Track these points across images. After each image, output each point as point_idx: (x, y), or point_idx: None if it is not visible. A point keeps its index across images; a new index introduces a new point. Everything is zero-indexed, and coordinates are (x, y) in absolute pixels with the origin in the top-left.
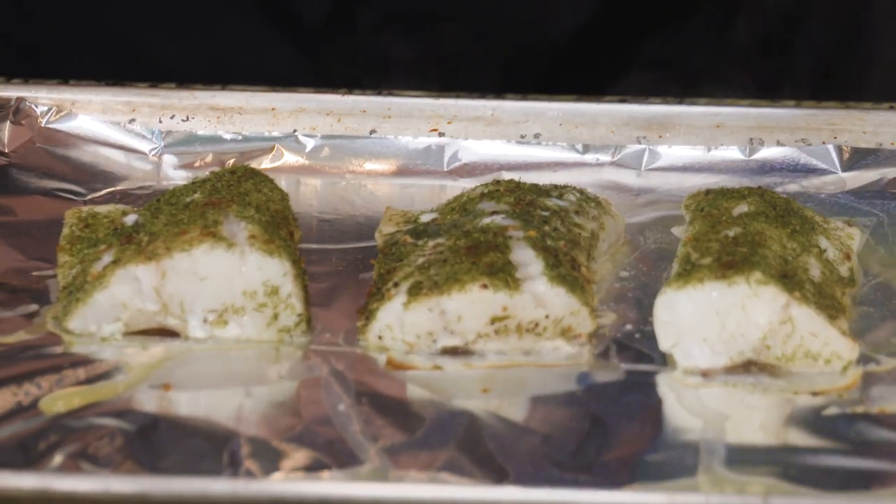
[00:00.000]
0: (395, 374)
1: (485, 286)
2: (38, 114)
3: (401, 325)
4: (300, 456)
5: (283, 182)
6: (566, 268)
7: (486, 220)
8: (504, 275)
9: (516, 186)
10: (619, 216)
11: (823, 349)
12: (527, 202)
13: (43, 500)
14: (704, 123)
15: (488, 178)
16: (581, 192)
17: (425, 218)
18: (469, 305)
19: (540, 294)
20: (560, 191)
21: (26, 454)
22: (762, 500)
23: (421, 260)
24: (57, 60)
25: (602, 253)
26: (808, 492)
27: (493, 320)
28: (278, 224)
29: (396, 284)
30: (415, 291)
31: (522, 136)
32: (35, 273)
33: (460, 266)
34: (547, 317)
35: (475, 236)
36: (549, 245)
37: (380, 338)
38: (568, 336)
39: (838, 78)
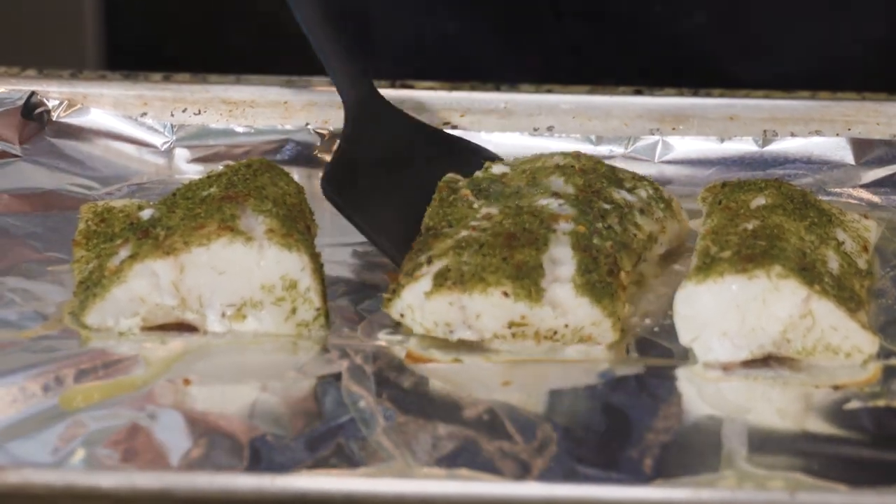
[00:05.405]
0: (414, 367)
1: (506, 294)
2: (50, 107)
3: (421, 309)
4: (321, 452)
5: (295, 175)
6: (601, 273)
7: (543, 202)
8: (529, 282)
9: (592, 168)
10: (686, 222)
11: (844, 343)
12: (594, 190)
13: (66, 497)
14: (718, 115)
15: None
16: (657, 189)
17: (496, 170)
18: (489, 307)
19: (562, 300)
20: (635, 182)
21: (47, 450)
22: (789, 496)
23: (463, 234)
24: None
25: (658, 255)
26: (834, 487)
27: (511, 325)
28: (295, 218)
29: (430, 261)
30: (439, 282)
31: (535, 129)
32: (50, 268)
33: (491, 260)
34: (566, 326)
35: (523, 219)
36: (593, 244)
37: (402, 315)
38: (588, 344)
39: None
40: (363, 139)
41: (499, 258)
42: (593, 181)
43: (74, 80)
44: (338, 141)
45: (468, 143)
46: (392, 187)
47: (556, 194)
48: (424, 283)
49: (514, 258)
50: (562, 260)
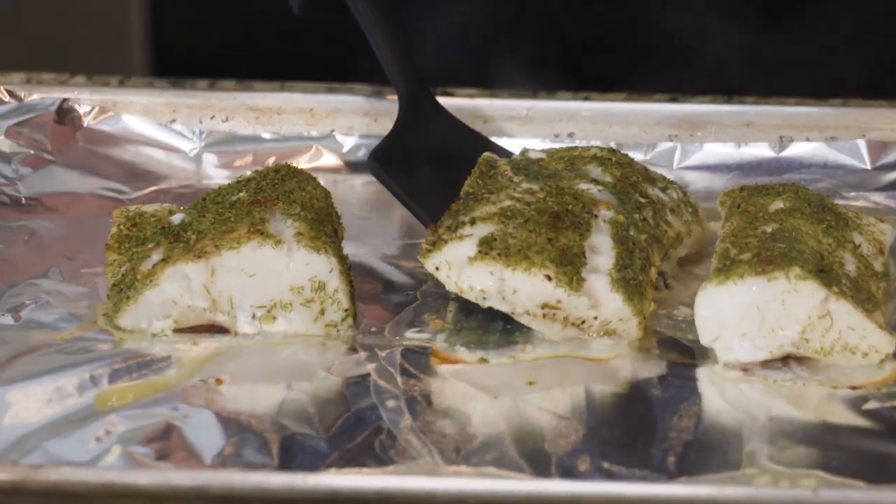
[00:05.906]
0: (440, 367)
1: (548, 277)
2: (82, 114)
3: (460, 270)
4: (350, 450)
5: (321, 181)
6: (635, 269)
7: (584, 187)
8: (572, 270)
9: (628, 163)
10: (710, 230)
11: (861, 343)
12: (630, 182)
13: (104, 494)
14: (734, 122)
15: None
16: (685, 194)
17: (533, 155)
18: (528, 286)
19: (596, 292)
20: (666, 183)
21: (84, 448)
22: (812, 493)
23: (507, 203)
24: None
25: (678, 257)
26: (854, 483)
27: (544, 306)
28: (323, 221)
29: (473, 222)
30: (485, 250)
31: (556, 136)
32: (83, 270)
33: (536, 238)
34: (596, 318)
35: (565, 199)
36: (630, 235)
37: (437, 269)
38: (612, 338)
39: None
40: (414, 128)
41: (544, 238)
42: (629, 174)
43: (105, 88)
44: (364, 149)
45: (507, 151)
46: (435, 174)
47: (594, 181)
48: (468, 245)
49: (558, 240)
50: (601, 249)
